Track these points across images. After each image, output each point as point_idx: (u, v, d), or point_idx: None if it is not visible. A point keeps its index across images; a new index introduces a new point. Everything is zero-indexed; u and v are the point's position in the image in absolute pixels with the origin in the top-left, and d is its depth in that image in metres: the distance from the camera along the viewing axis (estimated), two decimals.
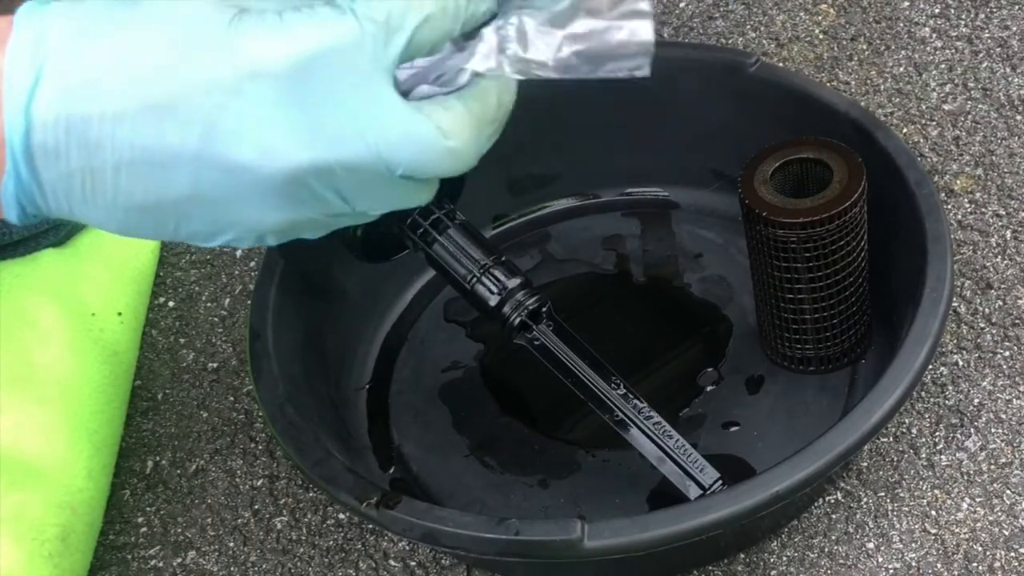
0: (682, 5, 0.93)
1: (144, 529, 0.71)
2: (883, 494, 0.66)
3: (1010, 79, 0.84)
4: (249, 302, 0.69)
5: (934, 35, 0.87)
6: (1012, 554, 0.63)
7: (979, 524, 0.64)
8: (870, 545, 0.64)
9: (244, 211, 0.45)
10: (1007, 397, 0.69)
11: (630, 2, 0.46)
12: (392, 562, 0.67)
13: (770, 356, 0.70)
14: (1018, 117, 0.81)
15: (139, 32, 0.43)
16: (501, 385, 0.73)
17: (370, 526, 0.69)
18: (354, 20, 0.43)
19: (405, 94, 0.46)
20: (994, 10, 0.88)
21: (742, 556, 0.65)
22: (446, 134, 0.45)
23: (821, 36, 0.89)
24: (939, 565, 0.63)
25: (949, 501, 0.65)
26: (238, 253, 0.84)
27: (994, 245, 0.75)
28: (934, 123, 0.82)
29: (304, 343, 0.69)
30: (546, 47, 0.46)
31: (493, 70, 0.47)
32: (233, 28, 0.43)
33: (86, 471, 0.68)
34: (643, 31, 0.46)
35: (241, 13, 0.43)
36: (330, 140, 0.43)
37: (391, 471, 0.70)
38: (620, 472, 0.67)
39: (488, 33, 0.47)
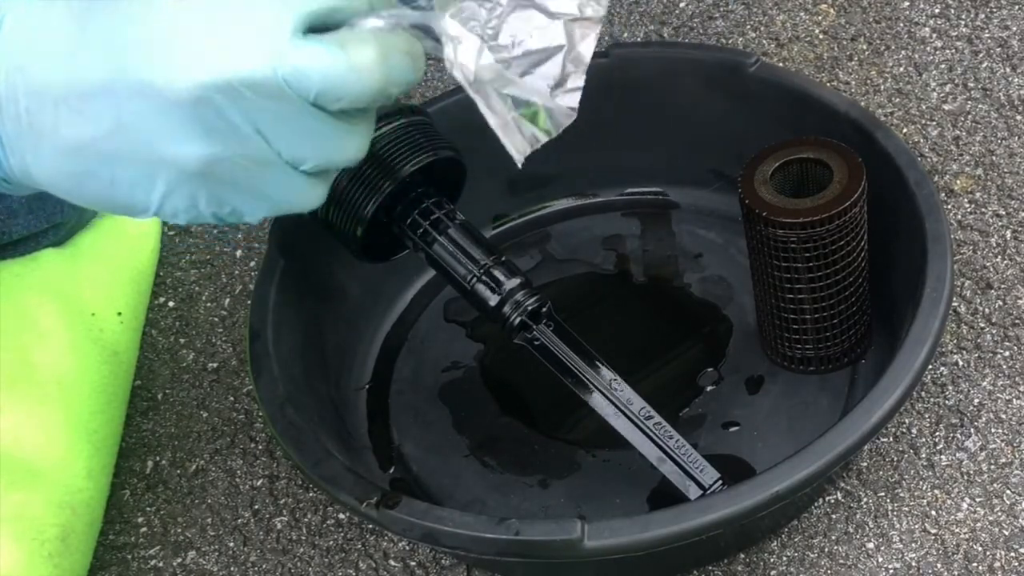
0: (682, 5, 0.93)
1: (144, 529, 0.71)
2: (883, 494, 0.66)
3: (1010, 79, 0.84)
4: (249, 302, 0.69)
5: (934, 35, 0.88)
6: (1012, 554, 0.63)
7: (979, 524, 0.64)
8: (870, 545, 0.64)
9: (165, 143, 0.45)
10: (1007, 397, 0.69)
11: (572, 79, 0.47)
12: (392, 562, 0.67)
13: (770, 356, 0.70)
14: (1018, 117, 0.81)
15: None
16: (501, 385, 0.73)
17: (370, 526, 0.69)
18: None
19: None
20: (994, 10, 0.88)
21: (742, 556, 0.65)
22: (346, 50, 0.45)
23: (821, 36, 0.89)
24: (939, 565, 0.63)
25: (949, 501, 0.65)
26: (238, 253, 0.84)
27: (994, 245, 0.75)
28: (934, 123, 0.82)
29: (304, 343, 0.69)
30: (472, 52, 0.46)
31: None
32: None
33: (86, 471, 0.68)
34: (569, 102, 0.47)
35: None
36: (231, 57, 0.44)
37: (391, 471, 0.70)
38: (620, 472, 0.67)
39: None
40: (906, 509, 0.65)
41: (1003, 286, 0.73)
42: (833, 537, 0.65)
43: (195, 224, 0.49)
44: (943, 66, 0.85)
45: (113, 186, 0.47)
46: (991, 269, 0.74)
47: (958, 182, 0.79)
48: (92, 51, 0.45)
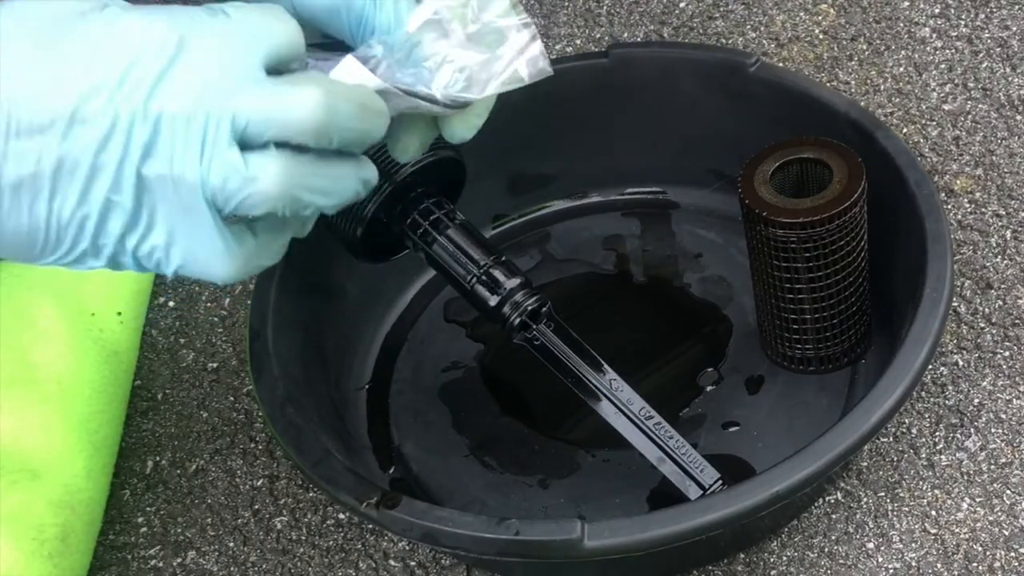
0: (682, 5, 0.93)
1: (144, 529, 0.71)
2: (883, 494, 0.66)
3: (1010, 79, 0.84)
4: (249, 302, 0.69)
5: (934, 35, 0.88)
6: (1012, 554, 0.63)
7: (979, 524, 0.64)
8: (870, 545, 0.64)
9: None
10: (1007, 397, 0.69)
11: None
12: (392, 562, 0.67)
13: (770, 356, 0.70)
14: (1018, 117, 0.81)
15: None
16: (501, 385, 0.73)
17: (370, 526, 0.69)
18: (225, 20, 0.46)
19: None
20: (994, 10, 0.88)
21: (742, 556, 0.65)
22: (291, 89, 0.46)
23: (821, 36, 0.89)
24: (939, 565, 0.63)
25: (949, 501, 0.65)
26: None
27: (994, 245, 0.75)
28: (934, 123, 0.82)
29: (304, 343, 0.69)
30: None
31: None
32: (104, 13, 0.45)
33: (86, 471, 0.68)
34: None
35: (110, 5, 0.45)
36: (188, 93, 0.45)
37: (391, 471, 0.70)
38: (620, 472, 0.67)
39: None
40: (906, 509, 0.65)
41: (1003, 286, 0.73)
42: (833, 537, 0.65)
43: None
44: (943, 66, 0.85)
45: (49, 219, 0.46)
46: (991, 269, 0.74)
47: (958, 182, 0.79)
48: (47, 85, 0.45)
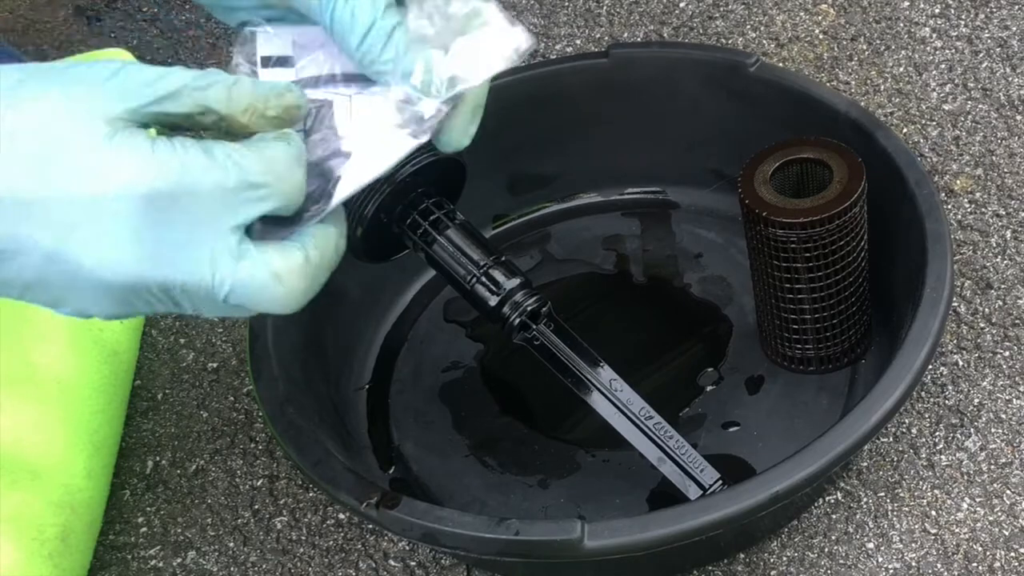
0: (682, 5, 0.93)
1: (144, 529, 0.71)
2: (883, 494, 0.66)
3: (1010, 79, 0.84)
4: None
5: (934, 35, 0.88)
6: (1012, 554, 0.63)
7: (979, 524, 0.64)
8: (870, 545, 0.64)
9: (84, 300, 0.47)
10: (1007, 397, 0.69)
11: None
12: (392, 562, 0.67)
13: (770, 356, 0.70)
14: (1018, 117, 0.81)
15: (22, 123, 0.45)
16: (501, 385, 0.73)
17: (370, 526, 0.69)
18: (217, 170, 0.46)
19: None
20: (994, 10, 0.88)
21: (742, 556, 0.65)
22: (281, 280, 0.48)
23: (821, 36, 0.89)
24: (939, 565, 0.63)
25: (949, 501, 0.65)
26: None
27: (994, 245, 0.75)
28: (934, 123, 0.82)
29: (304, 343, 0.69)
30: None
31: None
32: (105, 145, 0.45)
33: (86, 471, 0.68)
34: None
35: (116, 132, 0.45)
36: (171, 265, 0.46)
37: (391, 471, 0.70)
38: (620, 472, 0.67)
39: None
40: (906, 509, 0.65)
41: (1003, 286, 0.73)
42: (833, 537, 0.65)
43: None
44: (943, 66, 0.85)
45: (20, 298, 0.47)
46: (991, 269, 0.74)
47: (958, 182, 0.79)
48: (26, 214, 0.45)
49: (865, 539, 0.64)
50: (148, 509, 0.72)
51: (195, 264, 0.46)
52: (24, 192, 0.44)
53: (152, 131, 0.47)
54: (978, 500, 0.65)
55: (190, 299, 0.47)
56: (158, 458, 0.74)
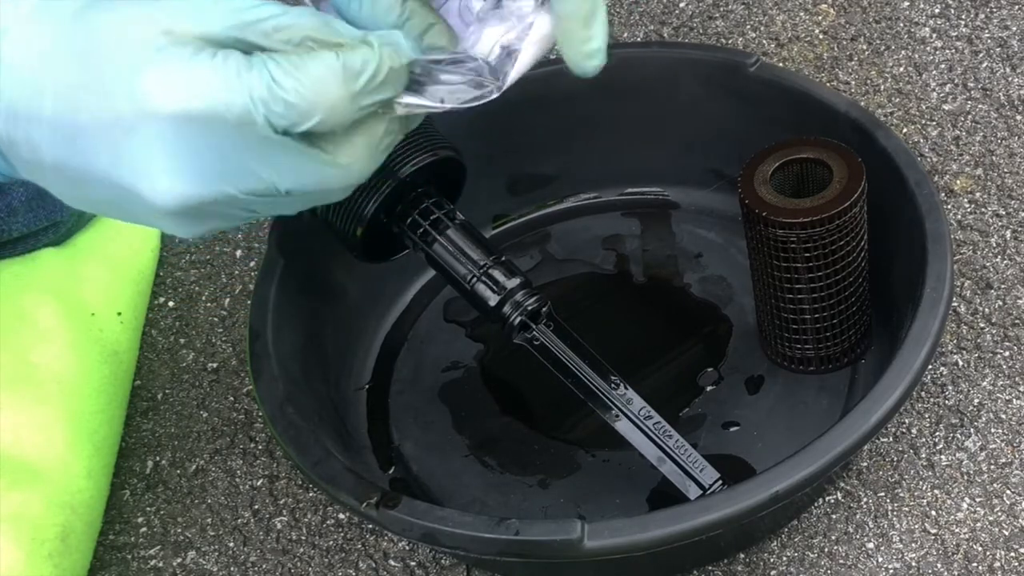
0: (682, 5, 0.93)
1: (144, 529, 0.71)
2: (883, 494, 0.66)
3: (1010, 79, 0.84)
4: (249, 302, 0.69)
5: (934, 35, 0.88)
6: (1012, 554, 0.63)
7: (979, 524, 0.64)
8: (870, 545, 0.64)
9: (159, 221, 0.47)
10: (1007, 397, 0.69)
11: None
12: (392, 562, 0.67)
13: (770, 356, 0.70)
14: (1018, 117, 0.81)
15: (73, 45, 0.44)
16: (501, 385, 0.73)
17: (370, 526, 0.69)
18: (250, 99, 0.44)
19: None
20: (994, 10, 0.88)
21: (742, 556, 0.65)
22: (337, 161, 0.46)
23: (821, 36, 0.89)
24: (939, 565, 0.63)
25: (949, 501, 0.65)
26: (238, 253, 0.84)
27: (994, 245, 0.75)
28: (934, 123, 0.82)
29: (304, 343, 0.69)
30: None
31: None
32: (149, 62, 0.44)
33: (86, 471, 0.68)
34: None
35: (166, 47, 0.44)
36: (222, 178, 0.45)
37: (391, 471, 0.70)
38: (620, 472, 0.67)
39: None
40: (906, 509, 0.65)
41: (1003, 286, 0.73)
42: (833, 537, 0.65)
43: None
44: (943, 66, 0.85)
45: (113, 205, 0.47)
46: (991, 269, 0.74)
47: (958, 182, 0.79)
48: (79, 137, 0.45)
49: (865, 539, 0.64)
50: (148, 509, 0.72)
51: (245, 171, 0.45)
52: (73, 111, 0.44)
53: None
54: (978, 500, 0.65)
55: (254, 200, 0.46)
56: (158, 458, 0.74)
